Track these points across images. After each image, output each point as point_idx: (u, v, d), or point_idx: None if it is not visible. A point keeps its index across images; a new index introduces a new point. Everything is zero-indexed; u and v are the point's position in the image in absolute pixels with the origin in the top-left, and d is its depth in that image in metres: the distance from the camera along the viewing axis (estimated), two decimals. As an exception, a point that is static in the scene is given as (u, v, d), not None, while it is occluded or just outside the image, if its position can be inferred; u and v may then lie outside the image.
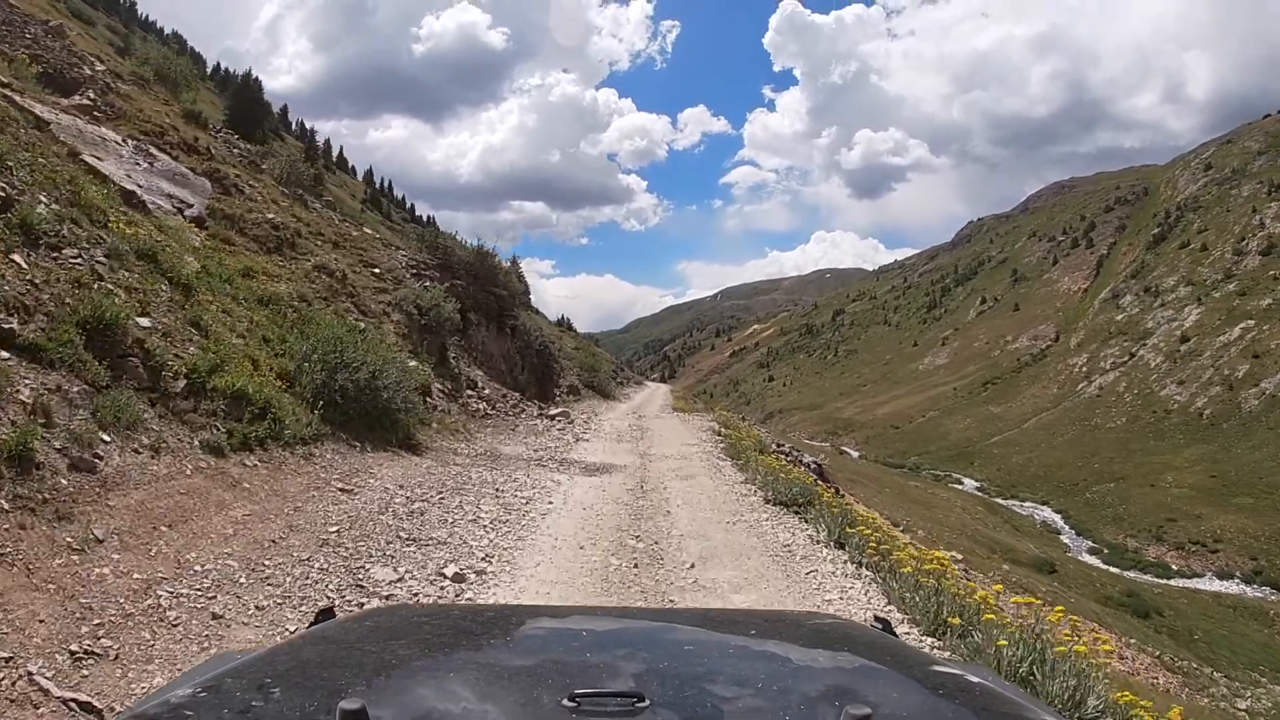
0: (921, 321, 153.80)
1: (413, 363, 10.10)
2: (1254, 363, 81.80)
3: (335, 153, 69.41)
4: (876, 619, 1.46)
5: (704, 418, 15.45)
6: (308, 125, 72.81)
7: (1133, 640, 24.39)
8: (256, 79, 58.50)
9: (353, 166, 71.87)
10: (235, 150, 15.54)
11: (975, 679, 1.03)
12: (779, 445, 12.96)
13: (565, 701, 0.81)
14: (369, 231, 15.56)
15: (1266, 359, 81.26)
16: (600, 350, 49.75)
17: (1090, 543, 58.08)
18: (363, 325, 10.13)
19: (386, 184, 74.25)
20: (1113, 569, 50.55)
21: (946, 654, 3.47)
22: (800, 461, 12.62)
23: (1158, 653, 24.31)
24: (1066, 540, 58.71)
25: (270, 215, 12.16)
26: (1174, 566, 52.27)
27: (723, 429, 12.31)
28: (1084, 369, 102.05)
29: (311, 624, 1.27)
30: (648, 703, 0.81)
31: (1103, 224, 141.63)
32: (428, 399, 9.80)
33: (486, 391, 12.17)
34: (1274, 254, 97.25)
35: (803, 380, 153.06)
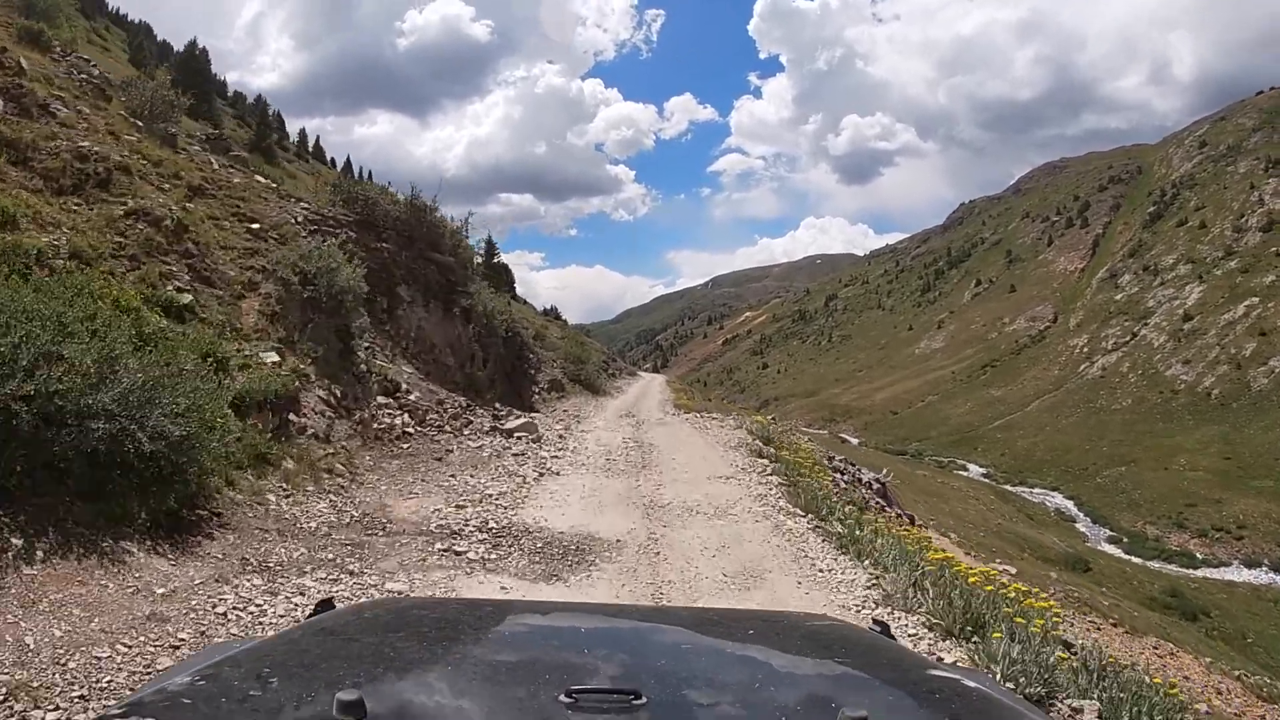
0: (915, 305, 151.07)
1: (271, 357, 6.22)
2: (1261, 340, 79.55)
3: (312, 143, 65.47)
4: (875, 621, 1.38)
5: (723, 422, 11.36)
6: (286, 117, 68.76)
7: (1208, 659, 21.17)
8: (203, 49, 53.65)
9: (331, 159, 67.99)
10: (79, 75, 11.45)
11: (972, 683, 1.02)
12: (830, 458, 9.20)
13: (562, 697, 0.80)
14: (261, 180, 11.51)
15: (1274, 336, 79.06)
16: (590, 340, 46.18)
17: (1108, 531, 55.24)
18: (187, 299, 6.22)
19: (367, 174, 70.58)
20: (1135, 559, 47.71)
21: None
22: (859, 479, 8.90)
23: (1237, 673, 21.05)
24: (1083, 529, 55.83)
25: (83, 144, 8.18)
26: (1199, 555, 49.49)
27: (764, 444, 8.39)
28: (1085, 350, 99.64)
29: (310, 615, 1.26)
30: (644, 700, 0.81)
31: (1097, 203, 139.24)
32: (291, 417, 5.93)
33: (413, 397, 8.33)
34: (1275, 230, 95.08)
35: (797, 367, 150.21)
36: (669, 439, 9.67)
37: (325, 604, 1.30)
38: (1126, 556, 48.18)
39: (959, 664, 2.83)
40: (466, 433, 8.21)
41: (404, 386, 8.53)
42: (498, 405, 11.92)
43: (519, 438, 8.47)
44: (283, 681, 0.87)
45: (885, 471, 9.58)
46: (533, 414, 12.80)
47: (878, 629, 1.33)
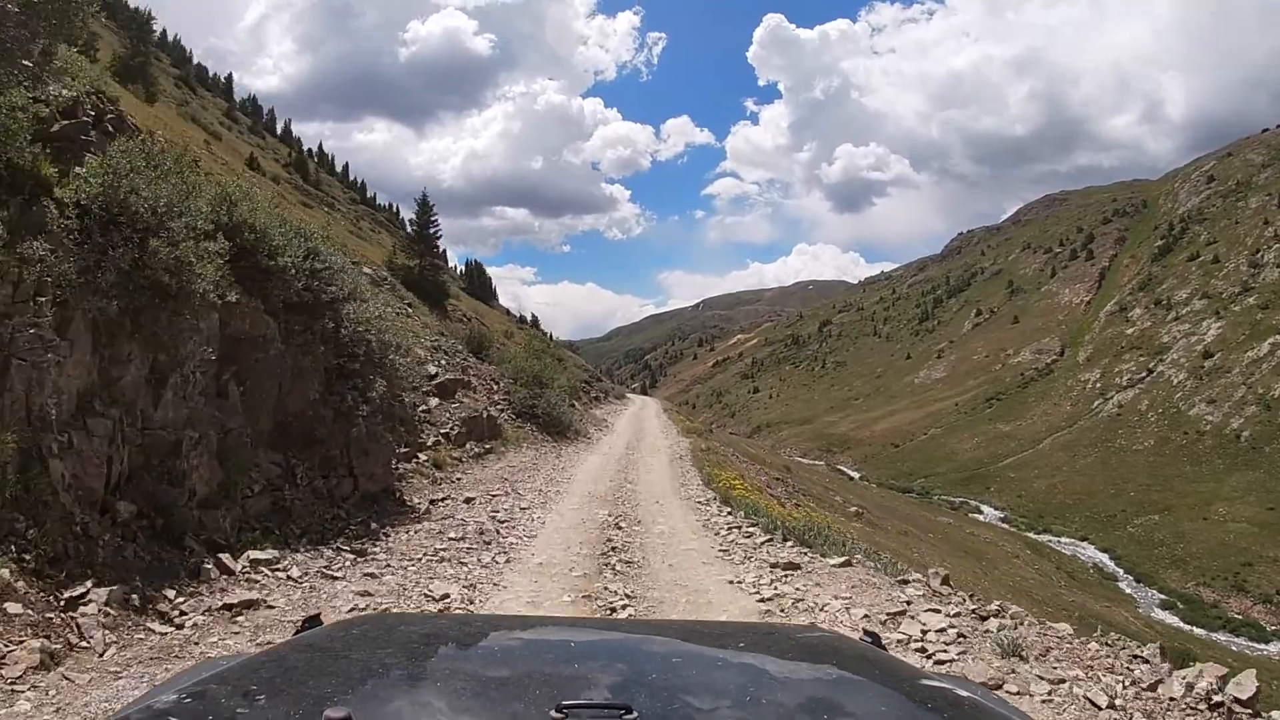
0: (914, 334, 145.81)
1: None
2: (1291, 381, 74.39)
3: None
4: (866, 633, 1.38)
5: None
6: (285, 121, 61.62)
7: None
8: (149, 16, 45.89)
9: (306, 148, 61.79)
10: None
11: (964, 693, 1.02)
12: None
13: (552, 713, 0.80)
14: None
15: (1305, 377, 73.93)
16: (571, 354, 38.35)
17: (1157, 593, 48.55)
18: None
19: (361, 182, 65.23)
20: (1197, 629, 41.17)
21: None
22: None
23: None
24: (1127, 589, 49.16)
25: None
26: (1267, 626, 42.92)
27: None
28: (1098, 385, 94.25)
29: (297, 631, 1.24)
30: (635, 714, 0.80)
31: (1101, 236, 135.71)
32: None
33: None
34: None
35: (790, 392, 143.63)
36: None
37: (312, 620, 1.26)
38: (1188, 628, 41.58)
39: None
40: None
41: None
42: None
43: None
44: (270, 699, 0.86)
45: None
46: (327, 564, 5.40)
47: (869, 640, 1.31)
